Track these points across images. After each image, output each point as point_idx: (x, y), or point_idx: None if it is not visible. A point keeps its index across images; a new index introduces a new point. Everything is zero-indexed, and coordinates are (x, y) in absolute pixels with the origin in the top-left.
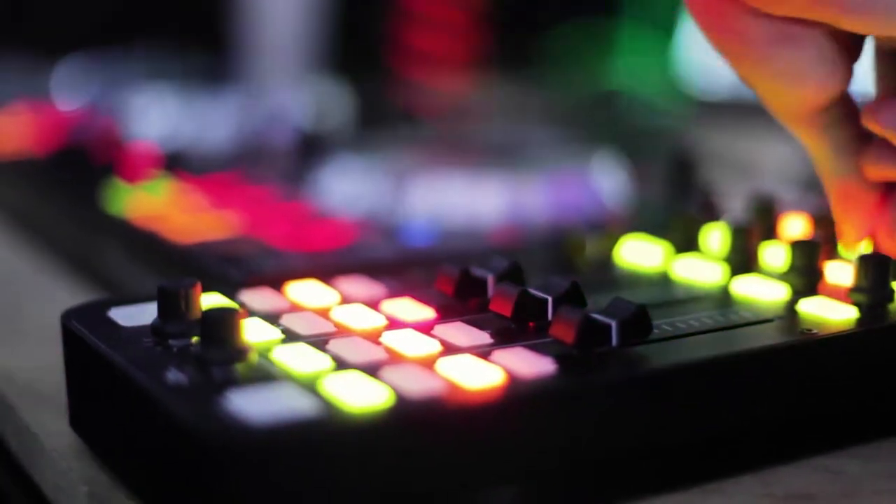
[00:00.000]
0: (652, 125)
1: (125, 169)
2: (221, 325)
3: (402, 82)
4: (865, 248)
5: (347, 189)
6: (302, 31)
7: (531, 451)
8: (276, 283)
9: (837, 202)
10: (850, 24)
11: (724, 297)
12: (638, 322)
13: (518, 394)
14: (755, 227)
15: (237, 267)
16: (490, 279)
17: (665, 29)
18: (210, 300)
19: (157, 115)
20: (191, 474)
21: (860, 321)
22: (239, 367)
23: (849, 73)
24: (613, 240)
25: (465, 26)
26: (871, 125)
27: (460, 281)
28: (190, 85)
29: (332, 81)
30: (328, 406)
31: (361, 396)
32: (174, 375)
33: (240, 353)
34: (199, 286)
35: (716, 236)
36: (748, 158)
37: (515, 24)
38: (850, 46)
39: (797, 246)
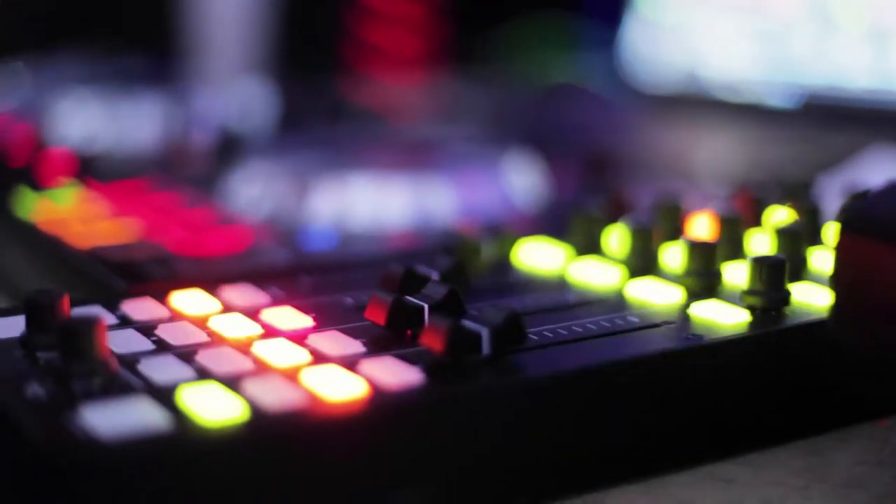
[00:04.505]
0: (597, 118)
1: (38, 175)
2: (79, 337)
3: (357, 78)
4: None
5: (255, 193)
6: (253, 28)
7: (394, 466)
8: (162, 291)
9: None
10: None
11: (618, 301)
12: (511, 330)
13: (380, 406)
14: (657, 228)
15: (124, 275)
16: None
17: (612, 22)
18: (89, 311)
19: (79, 119)
20: (42, 491)
21: (752, 325)
22: (98, 380)
23: None
24: (511, 243)
25: (422, 22)
26: None
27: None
28: (128, 87)
29: (267, 82)
30: (181, 420)
31: (216, 410)
32: (34, 389)
33: (99, 365)
34: (66, 297)
35: (617, 237)
36: (690, 154)
37: (471, 18)
38: None
39: (694, 247)
